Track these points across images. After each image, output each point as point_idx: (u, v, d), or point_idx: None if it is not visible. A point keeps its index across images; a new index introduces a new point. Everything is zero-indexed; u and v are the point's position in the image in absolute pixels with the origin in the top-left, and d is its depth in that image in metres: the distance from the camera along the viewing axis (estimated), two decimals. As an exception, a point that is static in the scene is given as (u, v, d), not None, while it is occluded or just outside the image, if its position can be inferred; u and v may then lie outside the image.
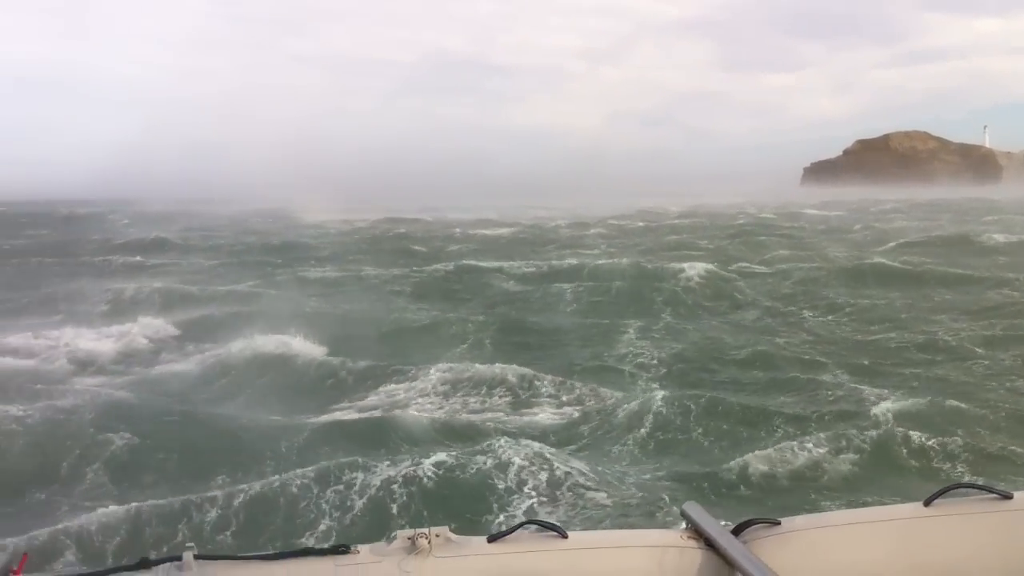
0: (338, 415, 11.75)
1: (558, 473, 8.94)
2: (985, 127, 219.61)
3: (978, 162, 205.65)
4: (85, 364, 15.04)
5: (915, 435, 9.94)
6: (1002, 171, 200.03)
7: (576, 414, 11.65)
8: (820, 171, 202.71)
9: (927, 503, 2.66)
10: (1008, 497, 2.67)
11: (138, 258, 33.80)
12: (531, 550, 2.43)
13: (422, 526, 2.38)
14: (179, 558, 2.21)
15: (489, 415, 11.71)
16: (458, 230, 47.27)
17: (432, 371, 13.36)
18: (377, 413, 11.72)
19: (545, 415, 11.66)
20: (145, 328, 17.29)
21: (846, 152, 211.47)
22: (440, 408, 12.03)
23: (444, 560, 2.34)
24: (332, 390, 12.98)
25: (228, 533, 8.01)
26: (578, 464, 9.34)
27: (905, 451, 9.75)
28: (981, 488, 2.72)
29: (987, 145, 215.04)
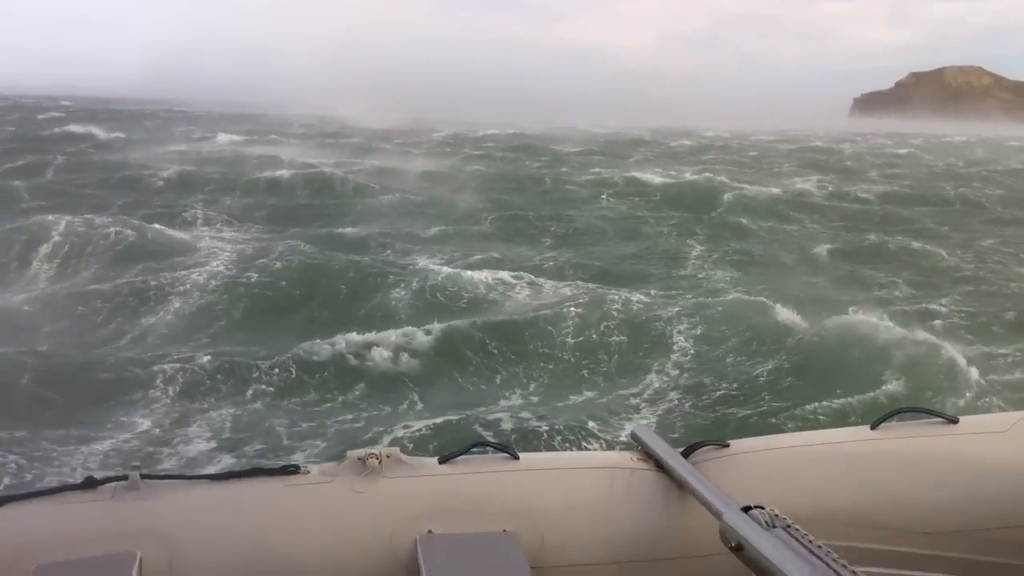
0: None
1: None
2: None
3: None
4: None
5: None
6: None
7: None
8: (870, 103, 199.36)
9: (874, 426, 2.73)
10: (954, 421, 2.75)
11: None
12: (482, 471, 2.46)
13: (372, 447, 2.43)
14: (125, 478, 2.24)
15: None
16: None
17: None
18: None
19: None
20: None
21: (898, 84, 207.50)
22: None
23: (395, 480, 2.37)
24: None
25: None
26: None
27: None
28: (928, 412, 2.79)
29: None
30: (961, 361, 10.59)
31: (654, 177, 30.09)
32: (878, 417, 2.71)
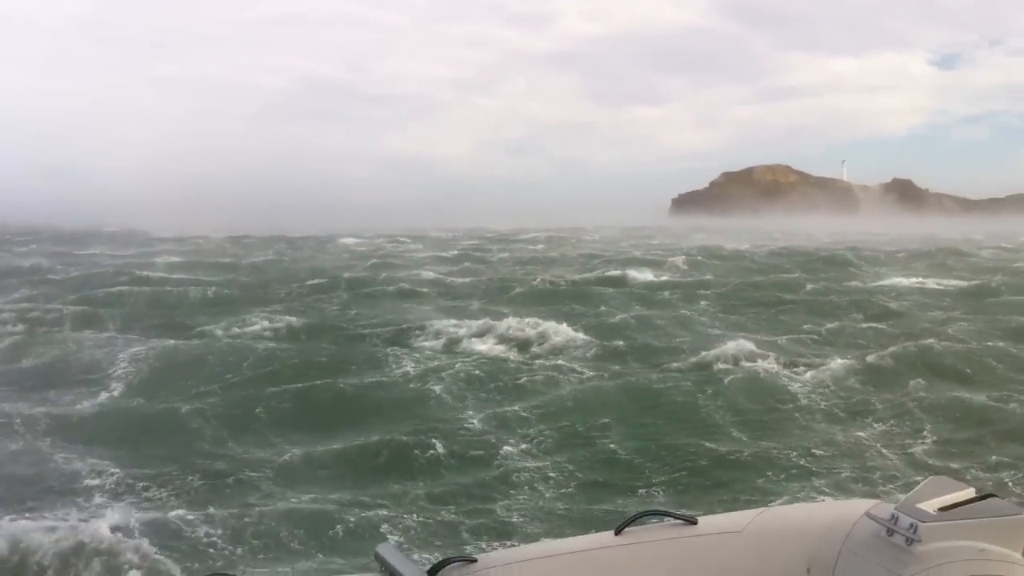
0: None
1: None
2: (843, 162, 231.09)
3: (837, 195, 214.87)
4: None
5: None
6: (859, 203, 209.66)
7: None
8: (688, 202, 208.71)
9: (618, 532, 2.77)
10: (693, 523, 2.83)
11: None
12: None
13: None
14: None
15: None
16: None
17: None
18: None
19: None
20: None
21: (712, 184, 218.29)
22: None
23: None
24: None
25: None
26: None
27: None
28: (668, 515, 2.86)
29: (845, 179, 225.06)
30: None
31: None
32: (622, 522, 2.75)
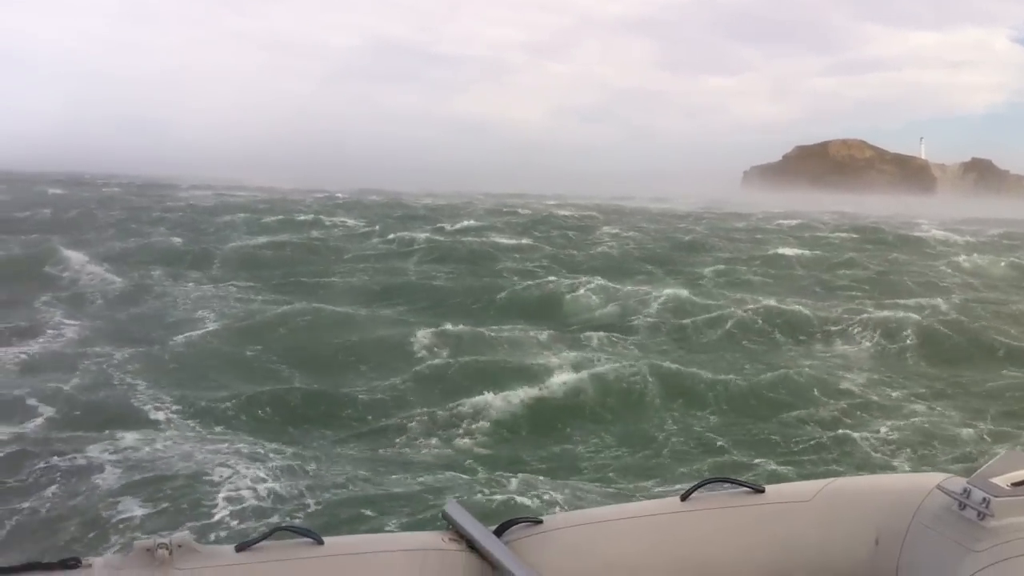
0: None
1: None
2: (921, 139, 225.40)
3: (914, 173, 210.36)
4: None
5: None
6: (936, 182, 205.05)
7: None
8: (760, 174, 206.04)
9: (684, 498, 2.76)
10: (760, 491, 2.81)
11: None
12: (283, 558, 2.34)
13: (162, 535, 2.25)
14: None
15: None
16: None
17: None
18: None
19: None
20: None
21: (785, 157, 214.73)
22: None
23: (187, 572, 2.22)
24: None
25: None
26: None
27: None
28: (735, 482, 2.85)
29: (923, 156, 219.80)
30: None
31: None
32: (687, 488, 2.74)
